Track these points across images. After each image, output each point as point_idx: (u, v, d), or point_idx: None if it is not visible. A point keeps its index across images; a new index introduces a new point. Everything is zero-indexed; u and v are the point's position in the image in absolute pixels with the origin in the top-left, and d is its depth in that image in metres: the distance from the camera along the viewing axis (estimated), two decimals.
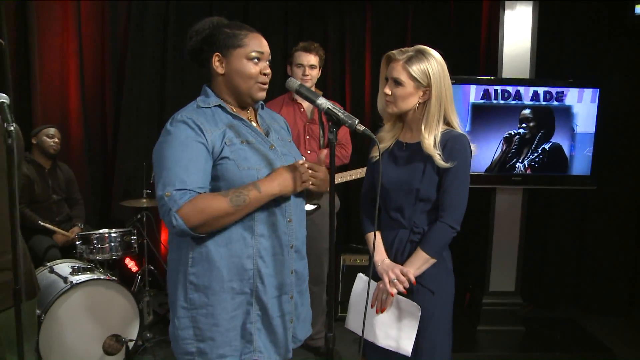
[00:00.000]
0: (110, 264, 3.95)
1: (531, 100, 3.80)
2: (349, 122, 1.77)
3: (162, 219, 1.81)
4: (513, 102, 3.79)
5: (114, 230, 3.81)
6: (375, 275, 2.21)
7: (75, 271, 3.39)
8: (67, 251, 3.96)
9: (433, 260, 2.13)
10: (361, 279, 2.32)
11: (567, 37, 4.51)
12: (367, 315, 2.02)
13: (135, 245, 3.90)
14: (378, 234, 2.27)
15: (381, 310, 2.18)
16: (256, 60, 1.91)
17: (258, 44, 1.93)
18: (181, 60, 4.84)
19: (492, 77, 3.88)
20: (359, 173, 3.63)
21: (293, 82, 1.86)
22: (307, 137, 3.55)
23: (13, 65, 4.25)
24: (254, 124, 1.99)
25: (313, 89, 3.51)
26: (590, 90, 3.80)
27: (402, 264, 2.16)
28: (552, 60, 4.38)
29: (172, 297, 1.97)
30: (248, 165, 1.85)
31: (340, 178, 3.64)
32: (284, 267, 1.94)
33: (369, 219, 2.32)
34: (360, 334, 2.14)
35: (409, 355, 2.14)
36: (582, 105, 3.82)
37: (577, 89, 3.81)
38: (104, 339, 3.39)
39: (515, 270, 4.04)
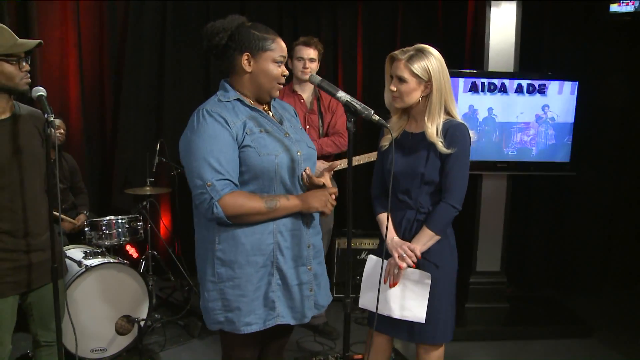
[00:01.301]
0: (113, 251, 4.11)
1: (515, 92, 4.04)
2: (366, 112, 1.97)
3: (199, 205, 2.01)
4: (499, 94, 4.04)
5: (120, 216, 3.97)
6: (385, 254, 2.43)
7: (87, 255, 3.54)
8: (72, 238, 4.10)
9: (437, 237, 2.37)
10: (371, 259, 2.54)
11: (548, 33, 4.73)
12: (380, 292, 2.26)
13: (142, 231, 4.06)
14: (386, 215, 2.50)
15: (393, 284, 2.40)
16: (280, 64, 2.12)
17: (282, 49, 2.14)
18: (178, 54, 4.99)
19: (479, 71, 4.11)
20: (369, 157, 3.86)
21: (315, 78, 2.07)
22: (307, 126, 3.76)
23: None
24: (269, 114, 2.20)
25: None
26: (570, 83, 4.04)
27: (409, 241, 2.40)
28: (534, 55, 4.60)
29: (200, 273, 2.17)
30: (267, 151, 2.06)
31: (357, 161, 3.87)
32: (301, 241, 2.16)
33: (380, 202, 2.55)
34: (374, 311, 2.37)
35: (423, 322, 2.38)
36: (562, 97, 4.06)
37: (558, 82, 4.04)
38: (116, 319, 3.55)
39: (500, 251, 4.26)
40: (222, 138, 1.99)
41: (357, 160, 3.88)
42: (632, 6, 4.13)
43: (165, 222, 4.92)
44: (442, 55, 2.40)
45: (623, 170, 4.90)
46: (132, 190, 4.29)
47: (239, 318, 2.10)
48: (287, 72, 2.17)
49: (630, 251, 5.02)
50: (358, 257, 4.52)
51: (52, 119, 2.19)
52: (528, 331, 4.07)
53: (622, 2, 4.17)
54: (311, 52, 3.66)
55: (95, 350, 3.48)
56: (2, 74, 2.27)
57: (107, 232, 3.90)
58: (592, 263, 4.97)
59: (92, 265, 3.42)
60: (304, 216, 2.16)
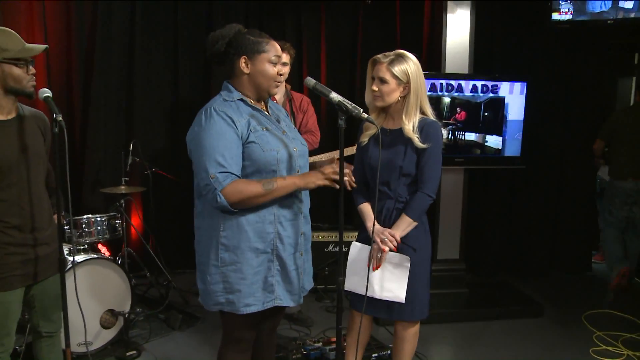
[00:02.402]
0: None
1: (470, 92, 4.37)
2: (355, 111, 2.21)
3: (205, 195, 2.22)
4: (455, 94, 4.36)
5: (99, 215, 4.08)
6: (368, 241, 2.69)
7: (71, 252, 3.65)
8: None
9: (415, 224, 2.65)
10: (355, 246, 2.79)
11: (500, 38, 5.10)
12: (363, 276, 2.52)
13: (120, 229, 4.18)
14: (368, 205, 2.77)
15: (376, 267, 2.66)
16: (275, 64, 2.35)
17: (276, 50, 2.37)
18: (148, 55, 5.09)
19: (437, 72, 4.44)
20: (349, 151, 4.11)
21: (310, 81, 2.30)
22: None
23: None
24: (268, 114, 2.43)
25: (284, 84, 3.94)
26: (520, 83, 4.41)
27: (389, 228, 2.66)
28: (488, 58, 4.96)
29: (202, 258, 2.37)
30: (270, 147, 2.29)
31: (328, 157, 4.11)
32: (297, 230, 2.40)
33: (360, 193, 2.81)
34: (358, 293, 2.63)
35: (403, 302, 2.64)
36: (513, 96, 4.41)
37: (509, 83, 4.39)
38: (101, 314, 3.69)
39: (459, 240, 4.61)
40: (227, 135, 2.21)
41: (330, 155, 4.13)
42: (571, 15, 4.52)
43: (138, 220, 5.03)
44: None
45: (567, 163, 5.32)
46: (109, 189, 4.37)
47: (239, 299, 2.31)
48: (283, 71, 2.39)
49: (574, 238, 5.45)
50: (325, 249, 4.74)
51: (60, 118, 2.34)
52: (486, 313, 4.40)
53: (562, 12, 4.55)
54: (284, 57, 3.87)
55: (82, 344, 3.59)
56: (11, 76, 2.41)
57: (87, 229, 3.98)
58: (540, 250, 5.37)
59: (80, 260, 3.53)
60: (298, 206, 2.38)
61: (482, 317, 4.36)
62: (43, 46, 2.49)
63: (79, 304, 2.60)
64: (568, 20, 4.57)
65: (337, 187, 2.25)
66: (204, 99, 5.08)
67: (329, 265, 4.64)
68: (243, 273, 2.30)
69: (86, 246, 3.85)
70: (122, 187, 4.38)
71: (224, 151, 2.20)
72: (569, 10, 4.57)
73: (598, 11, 4.50)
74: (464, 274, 4.67)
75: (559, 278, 5.38)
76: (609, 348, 3.86)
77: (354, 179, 2.41)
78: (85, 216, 4.02)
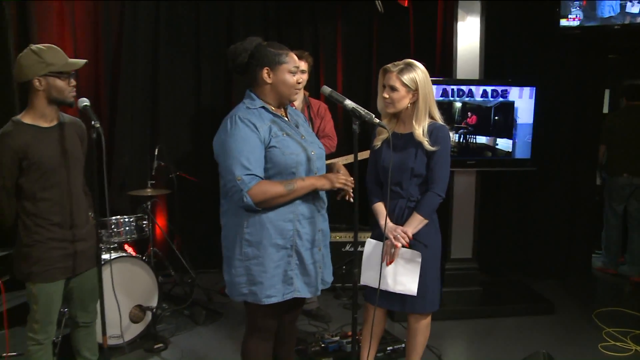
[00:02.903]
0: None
1: (481, 97, 4.53)
2: (368, 117, 2.41)
3: (232, 195, 2.43)
4: (466, 98, 4.52)
5: (127, 216, 4.30)
6: (382, 237, 2.88)
7: (104, 251, 3.88)
8: None
9: (426, 221, 2.83)
10: (370, 242, 2.97)
11: (509, 44, 5.25)
12: (378, 271, 2.72)
13: (147, 229, 4.40)
14: (382, 204, 2.95)
15: (389, 262, 2.85)
16: (294, 73, 2.55)
17: (295, 61, 2.57)
18: (172, 59, 5.32)
19: (449, 78, 4.60)
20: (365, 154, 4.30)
21: (326, 89, 2.49)
22: None
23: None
24: (287, 119, 2.63)
25: (303, 91, 4.14)
26: (529, 88, 4.55)
27: (402, 226, 2.85)
28: (497, 64, 5.10)
29: (228, 252, 2.58)
30: (290, 151, 2.49)
31: (345, 160, 4.31)
32: (315, 227, 2.59)
33: (374, 194, 3.00)
34: (373, 287, 2.82)
35: (415, 295, 2.83)
36: (523, 101, 4.57)
37: (518, 88, 4.54)
38: (130, 308, 3.91)
39: (472, 240, 4.75)
40: (251, 140, 2.41)
41: (345, 159, 4.32)
42: (578, 21, 4.67)
43: (163, 222, 5.25)
44: None
45: (579, 164, 5.43)
46: (136, 192, 4.59)
47: (261, 291, 2.51)
48: (302, 79, 2.59)
49: (585, 239, 5.57)
50: (343, 249, 4.93)
51: (97, 125, 2.56)
52: (498, 310, 4.55)
53: (570, 18, 4.70)
54: (302, 65, 4.07)
55: (113, 337, 3.81)
56: (55, 88, 2.65)
57: (116, 230, 4.21)
58: (552, 250, 5.48)
59: (112, 258, 3.75)
60: (316, 205, 2.58)
61: (494, 314, 4.50)
62: (83, 61, 2.73)
63: (116, 297, 2.82)
64: (576, 26, 4.72)
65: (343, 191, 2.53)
66: (225, 106, 5.36)
67: (346, 264, 4.82)
68: (265, 266, 2.49)
69: (115, 245, 4.08)
70: (149, 190, 4.60)
71: (248, 155, 2.40)
72: (577, 16, 4.72)
73: (607, 16, 4.64)
74: (477, 272, 4.81)
75: (571, 278, 5.48)
76: (618, 344, 3.98)
77: (351, 191, 2.59)
78: (114, 217, 4.26)
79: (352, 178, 2.56)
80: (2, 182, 2.61)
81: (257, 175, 2.41)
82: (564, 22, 4.72)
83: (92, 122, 2.56)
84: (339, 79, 5.44)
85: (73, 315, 3.01)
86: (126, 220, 4.25)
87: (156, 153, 4.68)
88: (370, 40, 5.48)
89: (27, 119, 2.67)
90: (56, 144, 2.71)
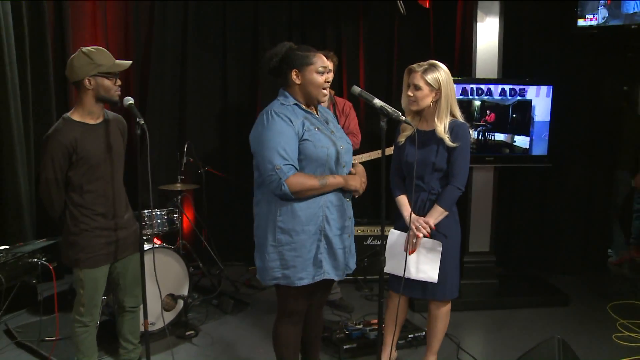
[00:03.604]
0: None
1: (499, 95, 4.68)
2: (395, 115, 2.57)
3: (269, 184, 2.61)
4: (485, 97, 4.67)
5: (159, 210, 4.50)
6: (404, 228, 3.05)
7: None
8: None
9: (446, 213, 3.01)
10: (393, 233, 3.15)
11: (527, 44, 5.37)
12: (400, 260, 2.90)
13: (177, 222, 4.61)
14: (404, 197, 3.13)
15: (412, 251, 3.02)
16: (322, 73, 2.73)
17: (322, 62, 2.75)
18: (200, 59, 5.53)
19: (468, 77, 4.75)
20: (376, 154, 4.47)
21: (356, 89, 2.66)
22: None
23: (55, 66, 4.82)
24: (317, 116, 2.81)
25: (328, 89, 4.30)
26: (546, 87, 4.70)
27: (424, 217, 3.02)
28: (515, 63, 5.23)
29: (261, 240, 2.76)
30: (321, 144, 2.67)
31: (368, 157, 4.48)
32: (344, 214, 2.77)
33: (397, 187, 3.17)
34: (397, 275, 2.99)
35: (436, 282, 3.00)
36: (540, 99, 4.70)
37: (536, 86, 4.69)
38: (163, 297, 4.11)
39: (490, 234, 4.90)
40: (287, 133, 2.60)
41: (369, 156, 4.49)
42: (596, 21, 4.79)
43: (192, 215, 5.46)
44: None
45: (595, 162, 5.53)
46: (166, 187, 4.79)
47: (294, 274, 2.69)
48: (330, 79, 2.77)
49: (602, 235, 5.68)
50: (364, 242, 5.09)
51: (142, 122, 2.76)
52: (514, 301, 4.70)
53: (588, 18, 4.82)
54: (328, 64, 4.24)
55: (149, 323, 4.01)
56: (102, 87, 2.86)
57: (149, 222, 4.42)
58: (569, 245, 5.59)
59: (146, 249, 3.95)
60: (345, 194, 2.76)
61: (511, 305, 4.65)
62: (129, 62, 2.94)
63: (158, 284, 3.02)
64: (594, 26, 4.83)
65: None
66: (251, 104, 5.55)
67: (368, 257, 4.99)
68: (297, 251, 2.68)
69: (149, 237, 4.28)
70: (178, 185, 4.80)
71: (285, 146, 2.59)
72: (594, 16, 4.84)
73: (632, 12, 4.68)
74: (494, 266, 4.96)
75: (586, 273, 5.60)
76: (632, 334, 4.11)
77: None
78: (146, 210, 4.46)
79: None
80: (53, 175, 2.82)
81: (293, 166, 2.60)
82: (581, 22, 4.84)
83: (137, 119, 2.75)
84: (361, 78, 5.60)
85: (120, 300, 3.22)
86: (158, 213, 4.46)
87: (185, 149, 4.87)
88: (391, 39, 5.63)
89: (76, 116, 2.88)
90: (102, 140, 2.91)
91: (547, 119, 4.73)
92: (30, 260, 2.82)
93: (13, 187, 4.33)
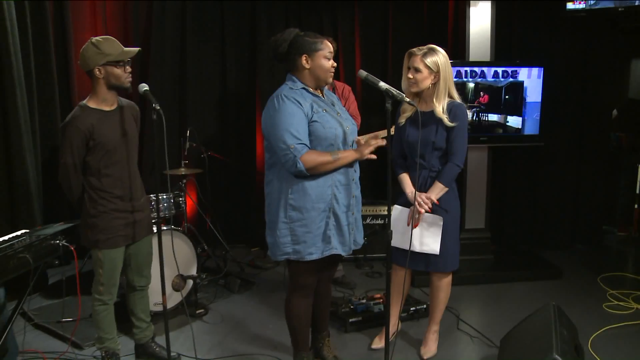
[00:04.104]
0: None
1: (492, 77, 4.84)
2: (399, 97, 2.72)
3: (284, 162, 2.76)
4: (479, 79, 4.83)
5: (165, 194, 4.63)
6: (407, 204, 3.22)
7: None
8: None
9: (446, 189, 3.18)
10: (396, 209, 3.32)
11: (518, 27, 5.52)
12: (403, 233, 3.07)
13: (183, 206, 4.74)
14: (406, 175, 3.30)
15: (415, 225, 3.19)
16: (329, 58, 2.87)
17: (329, 47, 2.90)
18: (198, 51, 5.64)
19: (462, 61, 4.91)
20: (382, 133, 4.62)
21: (362, 73, 2.80)
22: None
23: (56, 57, 4.92)
24: (324, 99, 2.96)
25: None
26: (537, 68, 4.86)
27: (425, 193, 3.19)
28: (507, 46, 5.39)
29: (272, 217, 2.92)
30: (329, 125, 2.83)
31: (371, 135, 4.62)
32: (349, 193, 2.93)
33: (399, 166, 3.33)
34: (402, 248, 3.16)
35: (438, 254, 3.17)
36: (531, 80, 4.87)
37: (527, 68, 4.85)
38: (172, 278, 4.26)
39: (484, 211, 5.09)
40: (297, 114, 2.75)
41: (375, 135, 4.62)
42: (584, 4, 4.94)
43: (195, 199, 5.61)
44: None
45: (584, 140, 5.73)
46: (172, 172, 4.91)
47: (305, 249, 2.86)
48: (335, 64, 2.92)
49: (593, 211, 5.89)
50: (364, 222, 5.24)
51: (158, 107, 2.89)
52: (509, 275, 4.90)
53: (576, 1, 4.97)
54: None
55: (157, 304, 4.15)
56: (113, 75, 2.99)
57: (155, 206, 4.55)
58: (561, 221, 5.80)
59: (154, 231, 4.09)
60: (351, 174, 2.92)
61: (506, 279, 4.85)
62: (136, 49, 3.06)
63: (177, 263, 3.19)
64: (582, 9, 4.98)
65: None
66: (250, 90, 5.69)
67: (368, 236, 5.15)
68: (308, 227, 2.84)
69: (160, 220, 4.40)
70: (182, 170, 4.93)
71: (297, 127, 2.74)
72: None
73: None
74: (489, 242, 5.16)
75: (579, 248, 5.83)
76: (620, 303, 4.32)
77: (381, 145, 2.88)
78: (153, 195, 4.58)
79: (374, 139, 2.90)
80: (72, 159, 2.95)
81: (306, 145, 2.75)
82: (569, 5, 4.98)
83: (153, 105, 2.88)
84: (357, 63, 5.73)
85: (130, 280, 3.37)
86: (165, 197, 4.59)
87: (188, 135, 5.00)
88: (386, 25, 5.76)
89: (91, 103, 3.01)
90: (117, 126, 3.05)
91: (539, 99, 4.90)
92: (52, 242, 2.93)
93: (22, 174, 4.44)
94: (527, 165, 5.74)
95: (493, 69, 4.82)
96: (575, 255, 5.61)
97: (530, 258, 5.35)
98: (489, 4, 4.88)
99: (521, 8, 5.51)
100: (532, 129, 4.95)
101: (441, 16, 5.64)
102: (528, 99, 4.90)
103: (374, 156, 2.87)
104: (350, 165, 2.91)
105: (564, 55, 5.50)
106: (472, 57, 4.91)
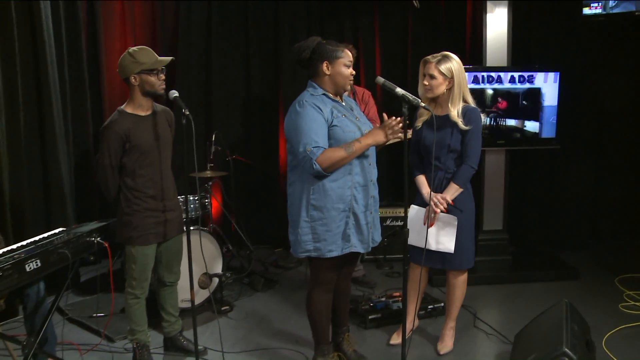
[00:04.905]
0: None
1: (509, 82, 4.95)
2: (415, 102, 2.85)
3: (303, 165, 2.92)
4: (496, 84, 4.95)
5: (191, 195, 4.81)
6: (423, 204, 3.37)
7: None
8: None
9: (461, 190, 3.31)
10: (413, 208, 3.47)
11: (535, 33, 5.61)
12: (420, 232, 3.20)
13: (209, 207, 4.93)
14: (423, 176, 3.44)
15: (430, 224, 3.33)
16: (348, 66, 3.04)
17: (349, 56, 3.06)
18: (224, 53, 5.85)
19: (479, 66, 5.02)
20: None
21: (380, 79, 2.95)
22: None
23: (88, 63, 5.14)
24: (343, 104, 3.12)
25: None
26: (553, 73, 4.96)
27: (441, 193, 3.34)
28: (524, 51, 5.49)
29: (294, 217, 3.08)
30: (348, 129, 2.99)
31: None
32: (368, 194, 3.08)
33: (416, 167, 3.48)
34: (418, 246, 3.30)
35: (452, 252, 3.31)
36: (548, 85, 4.97)
37: (543, 73, 4.95)
38: (199, 276, 4.43)
39: (502, 213, 5.19)
40: (317, 119, 2.91)
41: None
42: (601, 9, 5.02)
43: (220, 201, 5.80)
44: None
45: (603, 142, 5.80)
46: (197, 174, 5.09)
47: (325, 247, 3.02)
48: (354, 72, 3.08)
49: (612, 212, 5.95)
50: (384, 223, 5.39)
51: (187, 112, 3.07)
52: (526, 275, 4.99)
53: (593, 6, 5.06)
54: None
55: (184, 301, 4.33)
56: (147, 83, 3.18)
57: (183, 207, 4.73)
58: (579, 223, 5.87)
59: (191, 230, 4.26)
60: (369, 175, 3.07)
61: (523, 279, 4.95)
62: (169, 58, 3.26)
63: (205, 262, 3.37)
64: (600, 14, 5.05)
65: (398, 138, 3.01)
66: (273, 95, 5.88)
67: (388, 237, 5.31)
68: (328, 226, 3.00)
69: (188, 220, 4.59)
70: (208, 172, 5.11)
71: (316, 131, 2.91)
72: (599, 4, 5.07)
73: None
74: (507, 243, 5.26)
75: (596, 249, 5.88)
76: (637, 304, 4.39)
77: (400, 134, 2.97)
78: (181, 196, 4.77)
79: (394, 120, 2.95)
80: (109, 161, 3.16)
81: (322, 147, 2.91)
82: (586, 10, 5.06)
83: (183, 110, 3.07)
84: (377, 69, 5.88)
85: (161, 276, 3.56)
86: (191, 198, 4.78)
87: (213, 138, 5.19)
88: (405, 32, 5.89)
89: (128, 108, 3.22)
90: (151, 130, 3.25)
91: (555, 103, 5.00)
92: (87, 239, 3.13)
93: (56, 177, 4.67)
94: (546, 168, 5.81)
95: (510, 74, 4.93)
96: (593, 257, 5.66)
97: (548, 259, 5.43)
98: (505, 9, 4.99)
99: (538, 14, 5.60)
100: (548, 132, 5.04)
101: (460, 22, 5.76)
102: (545, 103, 5.00)
103: (396, 139, 3.01)
104: (368, 166, 3.07)
105: (581, 59, 5.57)
106: (489, 62, 5.01)
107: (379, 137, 2.98)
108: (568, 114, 5.19)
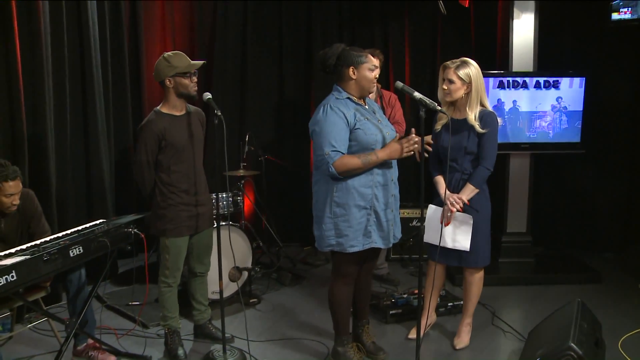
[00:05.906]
0: None
1: (535, 87, 5.05)
2: (432, 105, 3.01)
3: (320, 167, 3.12)
4: (521, 89, 5.05)
5: (224, 193, 5.04)
6: (440, 204, 3.52)
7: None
8: None
9: (477, 190, 3.45)
10: (431, 208, 3.62)
11: (561, 39, 5.68)
12: (437, 231, 3.36)
13: (241, 204, 5.15)
14: (441, 177, 3.59)
15: (447, 223, 3.48)
16: (372, 70, 3.21)
17: (372, 61, 3.26)
18: (258, 57, 6.08)
19: (505, 71, 5.11)
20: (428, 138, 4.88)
21: (399, 84, 3.11)
22: None
23: (130, 65, 5.41)
24: (366, 108, 3.29)
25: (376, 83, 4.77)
26: (579, 78, 5.03)
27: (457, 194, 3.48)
28: (550, 56, 5.52)
29: (319, 212, 3.27)
30: (370, 132, 3.16)
31: None
32: (388, 192, 3.25)
33: (434, 168, 3.64)
34: (435, 244, 3.45)
35: (468, 250, 3.45)
36: (573, 90, 5.05)
37: (569, 78, 5.04)
38: (229, 269, 4.65)
39: (526, 216, 5.28)
40: (339, 124, 3.10)
41: None
42: (630, 14, 5.06)
43: (253, 199, 6.03)
44: (476, 60, 3.48)
45: (632, 148, 5.80)
46: (231, 173, 5.32)
47: (347, 242, 3.19)
48: (377, 75, 3.25)
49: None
50: (410, 224, 5.54)
51: (219, 113, 3.28)
52: (548, 278, 5.07)
53: (622, 11, 5.10)
54: (375, 62, 4.69)
55: (215, 293, 4.54)
56: (181, 85, 3.42)
57: (215, 204, 4.96)
58: (602, 227, 5.90)
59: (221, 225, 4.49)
60: (390, 174, 3.24)
61: (545, 281, 5.02)
62: (201, 62, 3.49)
63: (233, 255, 3.60)
64: (631, 19, 5.08)
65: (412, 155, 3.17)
66: (305, 98, 6.08)
67: (413, 237, 5.45)
68: (350, 223, 3.18)
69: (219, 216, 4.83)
70: (241, 171, 5.34)
71: (336, 136, 3.09)
72: (628, 9, 5.11)
73: None
74: (530, 245, 5.34)
75: (621, 253, 5.85)
76: None
77: (421, 149, 3.08)
78: (213, 194, 5.00)
79: (415, 138, 3.11)
80: (146, 157, 3.40)
81: (340, 152, 3.09)
82: (615, 15, 5.08)
83: (215, 111, 3.28)
84: (406, 73, 6.03)
85: (192, 267, 3.79)
86: (224, 196, 5.01)
87: (247, 139, 5.41)
88: (434, 37, 6.03)
89: (164, 109, 3.46)
90: (185, 129, 3.48)
91: (580, 108, 5.07)
92: (125, 229, 3.39)
93: (98, 172, 4.96)
94: (574, 172, 5.85)
95: (535, 79, 5.03)
96: (618, 262, 5.68)
97: (571, 262, 5.48)
98: (532, 15, 5.09)
99: (566, 18, 5.67)
100: (573, 136, 5.11)
101: (488, 29, 5.84)
102: (570, 108, 5.08)
103: (410, 153, 3.17)
104: (388, 166, 3.23)
105: (607, 65, 5.61)
106: (516, 67, 5.11)
107: (395, 154, 3.15)
108: (598, 118, 5.23)
